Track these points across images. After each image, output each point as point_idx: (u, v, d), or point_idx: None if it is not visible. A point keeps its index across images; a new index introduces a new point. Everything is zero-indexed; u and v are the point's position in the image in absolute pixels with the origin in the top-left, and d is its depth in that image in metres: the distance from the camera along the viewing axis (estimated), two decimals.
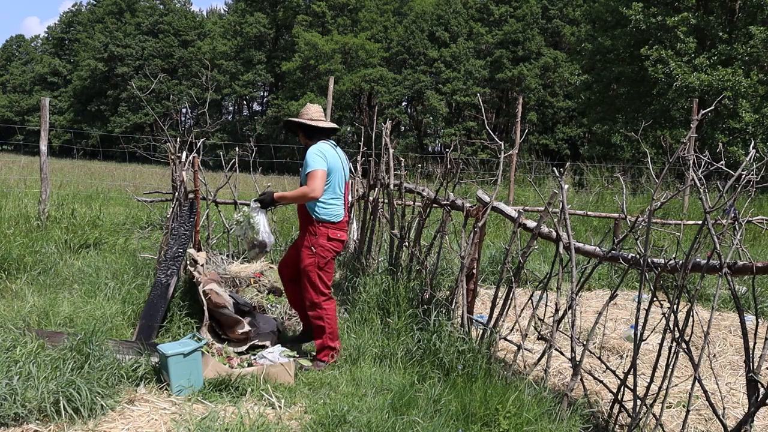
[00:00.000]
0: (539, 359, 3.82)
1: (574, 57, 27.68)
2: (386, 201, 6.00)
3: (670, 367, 3.02)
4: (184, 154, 6.01)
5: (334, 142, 4.36)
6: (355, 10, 42.62)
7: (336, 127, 4.42)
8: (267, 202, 4.27)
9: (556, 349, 3.80)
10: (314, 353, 4.30)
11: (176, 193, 5.90)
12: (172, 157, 6.00)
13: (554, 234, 3.76)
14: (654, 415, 3.16)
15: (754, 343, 2.68)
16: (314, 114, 4.31)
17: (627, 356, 4.73)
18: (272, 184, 7.28)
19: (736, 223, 2.90)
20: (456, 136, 34.37)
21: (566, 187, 3.67)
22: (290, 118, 4.37)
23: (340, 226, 4.24)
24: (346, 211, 4.35)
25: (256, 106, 51.94)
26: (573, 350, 3.53)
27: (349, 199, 7.12)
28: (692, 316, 2.93)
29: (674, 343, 3.02)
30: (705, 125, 18.72)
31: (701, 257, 3.01)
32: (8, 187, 9.92)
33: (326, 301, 4.21)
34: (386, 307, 4.78)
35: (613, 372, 3.73)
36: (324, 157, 4.09)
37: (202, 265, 5.05)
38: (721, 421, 2.83)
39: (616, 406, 3.41)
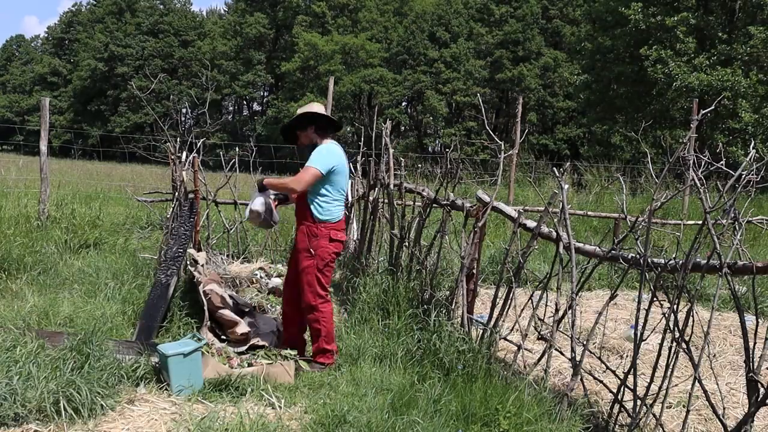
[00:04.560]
0: (539, 359, 3.81)
1: (574, 57, 27.68)
2: (386, 201, 5.99)
3: (670, 367, 3.02)
4: (184, 154, 6.01)
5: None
6: (355, 10, 42.61)
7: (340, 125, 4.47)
8: (259, 185, 4.28)
9: (556, 349, 3.80)
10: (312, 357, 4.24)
11: (176, 193, 5.91)
12: (172, 157, 6.00)
13: (554, 234, 3.76)
14: (654, 415, 3.15)
15: (754, 343, 2.68)
16: (322, 110, 4.28)
17: (627, 356, 4.73)
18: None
19: (736, 223, 2.90)
20: (456, 137, 34.30)
21: (566, 187, 3.67)
22: (304, 111, 4.24)
23: (339, 226, 4.20)
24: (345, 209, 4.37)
25: (256, 107, 51.95)
26: (573, 350, 3.53)
27: (349, 198, 7.19)
28: (692, 316, 2.93)
29: (674, 343, 3.01)
30: (705, 125, 18.71)
31: (701, 257, 3.01)
32: (8, 187, 9.91)
33: (323, 303, 4.13)
34: (386, 307, 4.77)
35: (613, 372, 3.73)
36: (333, 160, 4.07)
37: (202, 265, 5.06)
38: (721, 421, 2.83)
39: (616, 406, 3.40)
